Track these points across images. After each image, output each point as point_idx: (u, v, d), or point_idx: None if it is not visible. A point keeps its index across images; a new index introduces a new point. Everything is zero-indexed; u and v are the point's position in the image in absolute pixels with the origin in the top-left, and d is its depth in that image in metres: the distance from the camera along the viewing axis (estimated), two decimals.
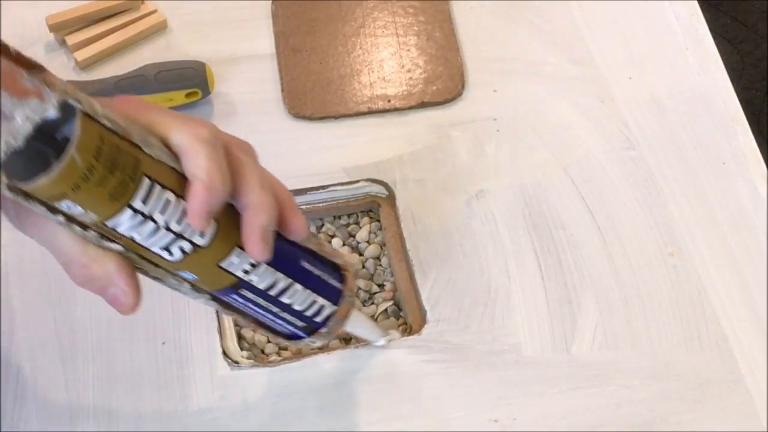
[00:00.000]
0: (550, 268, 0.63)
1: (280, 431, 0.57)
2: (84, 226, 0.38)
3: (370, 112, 0.71)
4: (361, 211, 0.68)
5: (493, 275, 0.63)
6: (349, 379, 0.59)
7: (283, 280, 0.44)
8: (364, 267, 0.66)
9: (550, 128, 0.70)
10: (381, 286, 0.65)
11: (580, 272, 0.63)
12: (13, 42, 0.34)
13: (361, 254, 0.67)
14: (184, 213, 0.39)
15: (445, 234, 0.65)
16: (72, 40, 0.72)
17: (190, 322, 0.60)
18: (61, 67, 0.72)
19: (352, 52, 0.74)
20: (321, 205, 0.67)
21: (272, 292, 0.44)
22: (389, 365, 0.59)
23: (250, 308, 0.45)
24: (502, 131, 0.70)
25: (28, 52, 0.35)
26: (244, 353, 0.61)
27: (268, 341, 0.62)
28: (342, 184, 0.67)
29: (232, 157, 0.40)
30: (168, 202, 0.38)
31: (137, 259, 0.40)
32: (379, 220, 0.68)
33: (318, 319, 0.48)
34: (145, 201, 0.37)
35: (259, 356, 0.62)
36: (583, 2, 0.77)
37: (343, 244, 0.67)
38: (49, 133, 0.34)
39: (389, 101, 0.71)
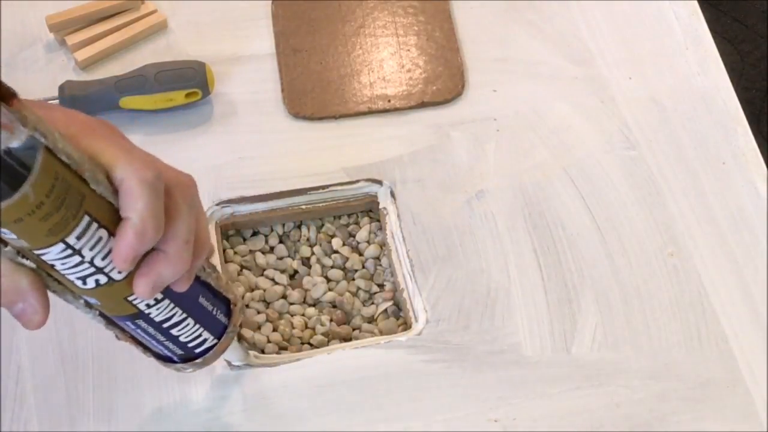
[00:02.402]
0: (550, 268, 0.63)
1: (280, 431, 0.57)
2: (5, 244, 0.37)
3: (370, 112, 0.71)
4: (361, 211, 0.68)
5: (493, 275, 0.63)
6: (349, 379, 0.59)
7: (178, 315, 0.45)
8: (364, 267, 0.66)
9: (550, 128, 0.70)
10: (381, 286, 0.65)
11: (580, 272, 0.63)
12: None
13: (361, 254, 0.67)
14: (110, 251, 0.38)
15: (445, 234, 0.65)
16: (72, 40, 0.72)
17: None
18: (61, 67, 0.72)
19: (352, 52, 0.74)
20: (321, 205, 0.67)
21: (165, 325, 0.45)
22: (389, 365, 0.59)
23: (139, 333, 0.45)
24: (502, 131, 0.70)
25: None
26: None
27: (269, 341, 0.62)
28: (342, 184, 0.67)
29: (170, 200, 0.39)
30: (100, 239, 0.37)
31: (45, 277, 0.39)
32: (379, 220, 0.68)
33: (198, 350, 0.49)
34: (79, 237, 0.37)
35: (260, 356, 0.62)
36: (583, 2, 0.77)
37: (343, 244, 0.67)
38: (7, 164, 0.33)
39: (389, 101, 0.71)
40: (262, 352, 0.62)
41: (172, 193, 0.39)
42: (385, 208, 0.67)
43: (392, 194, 0.67)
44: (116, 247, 0.37)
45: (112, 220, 0.38)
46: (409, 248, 0.64)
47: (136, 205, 0.37)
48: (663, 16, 0.77)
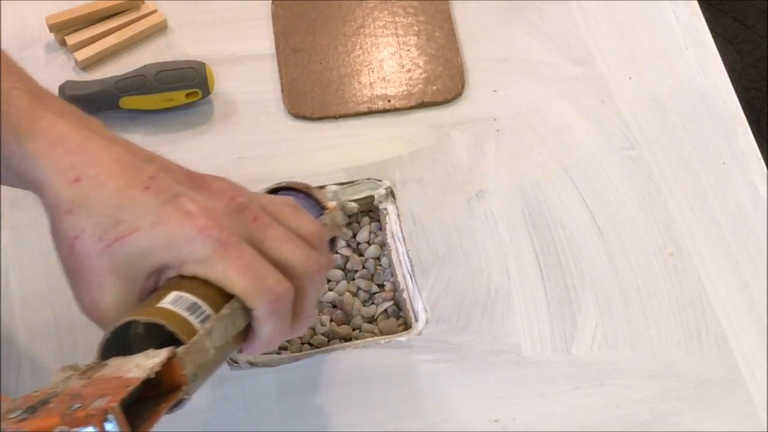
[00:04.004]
0: (550, 268, 0.63)
1: (280, 431, 0.57)
2: None
3: (370, 112, 0.71)
4: (361, 211, 0.68)
5: (493, 275, 0.63)
6: (349, 379, 0.59)
7: None
8: (364, 267, 0.66)
9: (550, 128, 0.70)
10: (381, 286, 0.65)
11: (580, 272, 0.63)
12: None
13: (361, 254, 0.67)
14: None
15: (445, 234, 0.65)
16: (72, 40, 0.72)
17: None
18: (61, 67, 0.72)
19: (352, 52, 0.74)
20: None
21: None
22: (389, 365, 0.59)
23: None
24: (502, 131, 0.70)
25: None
26: None
27: None
28: (342, 184, 0.67)
29: (299, 291, 0.44)
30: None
31: None
32: (379, 220, 0.68)
33: None
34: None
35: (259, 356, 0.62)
36: (583, 2, 0.77)
37: (344, 244, 0.67)
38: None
39: (389, 101, 0.71)
40: None
41: (302, 284, 0.44)
42: (385, 208, 0.67)
43: (392, 194, 0.67)
44: (247, 348, 0.44)
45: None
46: (409, 248, 0.64)
47: (264, 329, 0.42)
48: (663, 16, 0.77)
